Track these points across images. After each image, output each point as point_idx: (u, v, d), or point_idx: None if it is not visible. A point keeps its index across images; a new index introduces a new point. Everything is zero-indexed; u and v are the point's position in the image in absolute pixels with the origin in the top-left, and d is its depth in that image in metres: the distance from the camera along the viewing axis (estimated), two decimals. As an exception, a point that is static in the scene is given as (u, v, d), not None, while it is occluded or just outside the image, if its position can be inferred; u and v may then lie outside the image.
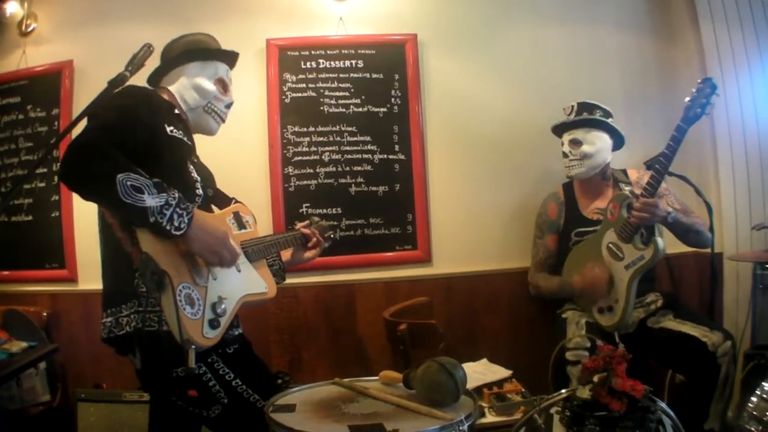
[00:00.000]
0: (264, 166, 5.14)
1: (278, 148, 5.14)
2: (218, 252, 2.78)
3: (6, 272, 5.30)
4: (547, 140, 4.85)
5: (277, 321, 5.10)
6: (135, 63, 2.88)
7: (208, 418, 2.97)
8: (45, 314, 5.06)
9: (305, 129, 5.18)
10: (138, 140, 2.65)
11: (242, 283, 3.01)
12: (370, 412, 2.86)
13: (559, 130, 4.72)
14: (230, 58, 3.48)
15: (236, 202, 3.42)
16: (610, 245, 4.26)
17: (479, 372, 4.15)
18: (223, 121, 3.43)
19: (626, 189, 4.41)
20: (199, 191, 3.01)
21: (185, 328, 2.50)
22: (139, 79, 3.06)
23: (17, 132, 5.31)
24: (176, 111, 3.18)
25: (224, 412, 2.94)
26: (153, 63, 3.21)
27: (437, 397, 2.85)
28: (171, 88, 3.27)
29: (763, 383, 3.67)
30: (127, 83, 2.76)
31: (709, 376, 3.96)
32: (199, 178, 3.04)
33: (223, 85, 3.37)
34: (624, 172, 4.68)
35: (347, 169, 5.20)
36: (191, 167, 3.04)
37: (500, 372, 4.14)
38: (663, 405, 2.82)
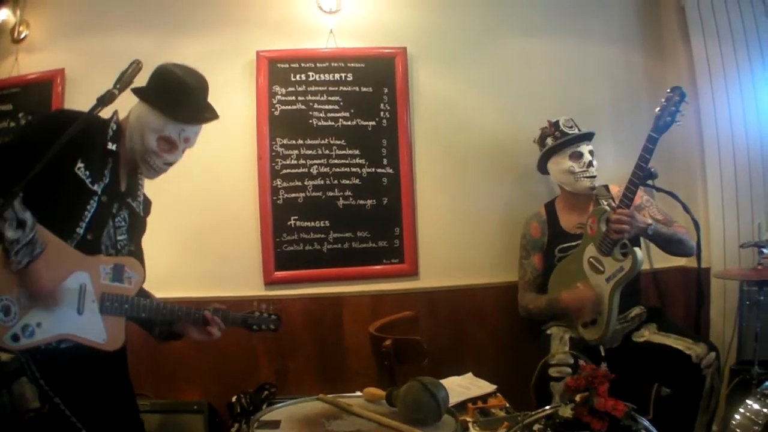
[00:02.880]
0: (253, 179, 5.14)
1: (267, 161, 5.14)
2: (38, 299, 2.95)
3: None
4: (536, 155, 4.85)
5: (258, 334, 5.11)
6: (123, 80, 2.93)
7: None
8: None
9: (294, 142, 5.17)
10: (38, 154, 2.68)
11: (74, 324, 3.06)
12: (353, 429, 2.89)
13: (570, 142, 4.69)
14: (188, 117, 3.26)
15: (137, 257, 3.39)
16: (591, 259, 4.29)
17: (464, 386, 4.14)
18: (158, 175, 3.36)
19: (605, 203, 4.43)
20: (79, 231, 3.08)
21: None
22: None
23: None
24: (109, 147, 3.18)
25: (41, 400, 3.13)
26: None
27: (419, 416, 2.87)
28: (129, 118, 3.25)
29: (747, 400, 3.69)
30: (68, 109, 3.20)
31: (694, 388, 3.96)
32: (86, 219, 3.09)
33: (169, 142, 3.24)
34: (606, 187, 4.69)
35: (335, 182, 5.20)
36: (90, 205, 3.10)
37: (485, 386, 4.12)
38: (646, 423, 2.82)
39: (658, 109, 3.98)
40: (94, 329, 3.10)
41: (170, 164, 3.32)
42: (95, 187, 3.11)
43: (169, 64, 3.27)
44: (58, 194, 2.99)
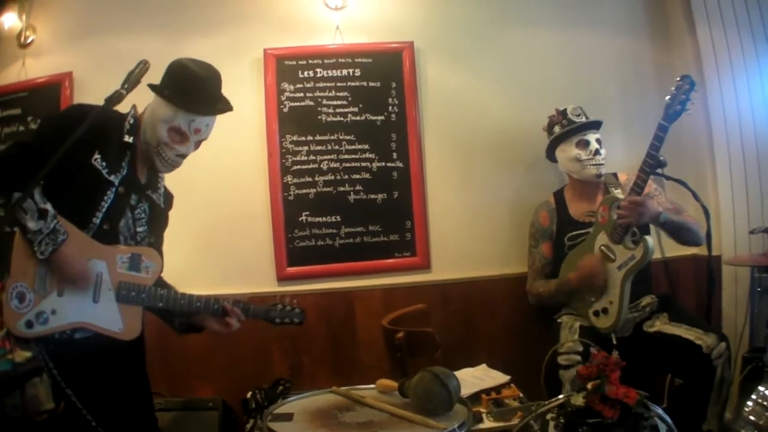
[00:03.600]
0: (263, 175, 5.16)
1: (277, 157, 5.16)
2: (69, 282, 3.05)
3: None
4: (545, 145, 4.86)
5: (278, 328, 5.12)
6: (131, 80, 2.98)
7: None
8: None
9: (304, 138, 5.20)
10: (55, 150, 2.73)
11: (90, 312, 3.11)
12: (366, 420, 2.93)
13: (576, 130, 4.69)
14: (196, 108, 3.28)
15: (157, 249, 3.42)
16: (602, 247, 4.30)
17: (478, 377, 4.16)
18: (172, 168, 3.38)
19: (615, 191, 4.43)
20: (95, 221, 3.13)
21: (5, 314, 2.92)
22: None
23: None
24: (126, 139, 3.21)
25: (54, 390, 3.28)
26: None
27: (430, 406, 2.90)
28: (145, 113, 3.30)
29: (760, 387, 3.69)
30: (83, 103, 3.19)
31: (704, 379, 3.97)
32: (103, 209, 3.14)
33: (180, 133, 3.27)
34: (615, 175, 4.70)
35: (346, 177, 5.22)
36: (107, 196, 3.15)
37: (499, 377, 4.14)
38: (659, 410, 2.83)
39: (668, 97, 4.00)
40: (110, 318, 3.14)
41: (182, 156, 3.34)
42: (112, 178, 3.15)
43: (182, 59, 3.32)
44: (76, 185, 3.03)
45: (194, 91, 3.24)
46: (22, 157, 2.93)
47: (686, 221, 4.33)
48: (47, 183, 2.89)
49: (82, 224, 3.06)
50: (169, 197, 3.61)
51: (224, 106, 3.38)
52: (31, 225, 2.86)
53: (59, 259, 2.94)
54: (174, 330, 3.55)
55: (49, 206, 2.90)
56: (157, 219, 3.48)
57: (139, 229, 3.32)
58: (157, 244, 3.44)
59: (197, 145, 3.37)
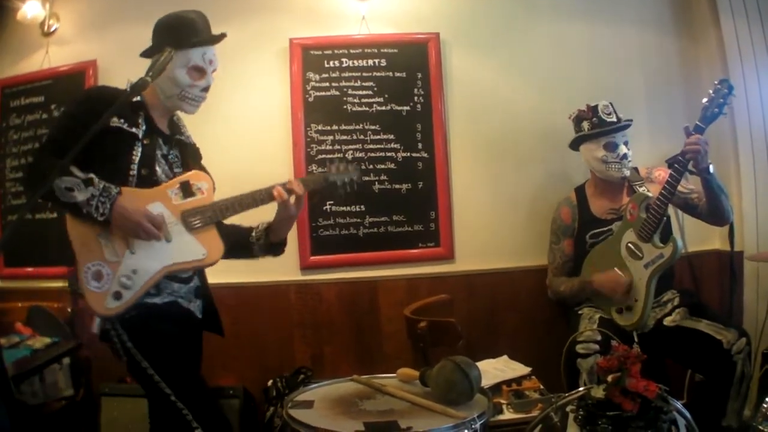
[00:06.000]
0: (288, 165, 5.17)
1: (302, 147, 5.18)
2: (135, 232, 3.05)
3: (31, 269, 5.35)
4: (569, 138, 4.83)
5: (300, 316, 5.15)
6: (156, 68, 3.01)
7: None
8: (69, 310, 5.07)
9: (329, 127, 5.21)
10: (79, 139, 2.72)
11: (168, 253, 3.14)
12: (386, 409, 2.94)
13: (605, 132, 4.61)
14: (208, 42, 3.41)
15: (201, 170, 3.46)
16: (629, 245, 4.27)
17: (499, 369, 4.17)
18: (199, 103, 3.42)
19: (641, 189, 4.42)
20: (133, 173, 3.15)
21: (88, 300, 2.96)
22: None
23: (41, 131, 5.36)
24: (135, 99, 3.23)
25: (129, 367, 3.15)
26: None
27: (451, 395, 2.91)
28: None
29: (779, 383, 3.68)
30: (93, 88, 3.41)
31: (724, 374, 3.96)
32: (136, 161, 3.17)
33: (198, 70, 3.34)
34: (636, 170, 4.66)
35: (371, 167, 5.22)
36: (135, 149, 3.18)
37: (520, 369, 4.16)
38: (678, 405, 2.83)
39: (706, 100, 3.98)
40: (190, 249, 3.20)
41: (206, 90, 3.39)
42: (134, 130, 3.18)
43: (162, 16, 3.45)
44: (106, 147, 3.06)
45: (194, 28, 3.35)
46: (52, 152, 3.02)
47: (724, 190, 4.30)
48: (81, 159, 2.93)
49: (122, 181, 3.09)
50: (196, 148, 3.65)
51: (222, 33, 3.49)
52: (81, 197, 2.91)
53: (119, 213, 2.98)
54: (254, 256, 3.69)
55: (91, 174, 2.95)
56: (190, 155, 3.54)
57: (176, 171, 3.38)
58: None
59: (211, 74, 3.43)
